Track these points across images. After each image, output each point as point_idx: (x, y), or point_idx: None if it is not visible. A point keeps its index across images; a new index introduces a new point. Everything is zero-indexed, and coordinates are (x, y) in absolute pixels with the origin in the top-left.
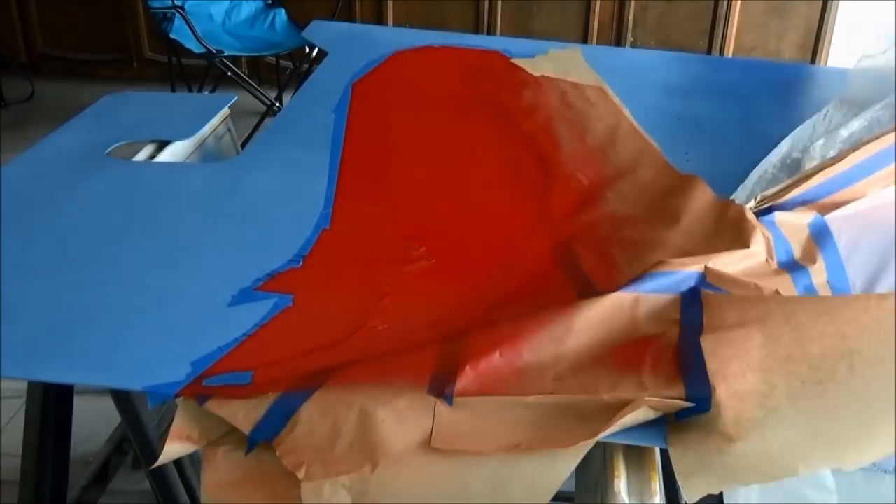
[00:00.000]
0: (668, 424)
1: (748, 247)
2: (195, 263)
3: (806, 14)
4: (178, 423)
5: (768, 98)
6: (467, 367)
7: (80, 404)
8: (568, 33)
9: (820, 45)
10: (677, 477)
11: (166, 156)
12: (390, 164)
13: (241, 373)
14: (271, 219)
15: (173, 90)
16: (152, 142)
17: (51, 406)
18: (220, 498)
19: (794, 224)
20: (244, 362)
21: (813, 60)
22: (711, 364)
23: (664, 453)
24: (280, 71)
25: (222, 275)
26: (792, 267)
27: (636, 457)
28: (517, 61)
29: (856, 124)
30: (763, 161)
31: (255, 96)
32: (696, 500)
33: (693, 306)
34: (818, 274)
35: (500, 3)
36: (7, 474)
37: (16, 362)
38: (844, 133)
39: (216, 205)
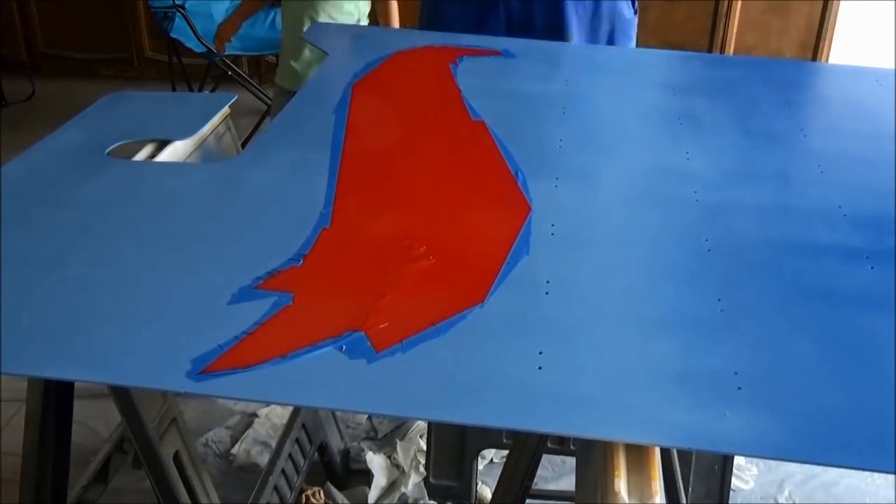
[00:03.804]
0: None
1: None
2: (195, 262)
3: (807, 12)
4: None
5: (770, 96)
6: None
7: (80, 404)
8: None
9: (821, 44)
10: None
11: (166, 155)
12: (390, 163)
13: (240, 370)
14: (271, 218)
15: (174, 89)
16: (152, 141)
17: (51, 406)
18: None
19: None
20: (244, 359)
21: (814, 58)
22: None
23: (664, 453)
24: None
25: (222, 273)
26: None
27: (636, 456)
28: None
29: None
30: None
31: (255, 96)
32: None
33: None
34: None
35: None
36: (7, 474)
37: (16, 360)
38: None
39: (216, 204)
